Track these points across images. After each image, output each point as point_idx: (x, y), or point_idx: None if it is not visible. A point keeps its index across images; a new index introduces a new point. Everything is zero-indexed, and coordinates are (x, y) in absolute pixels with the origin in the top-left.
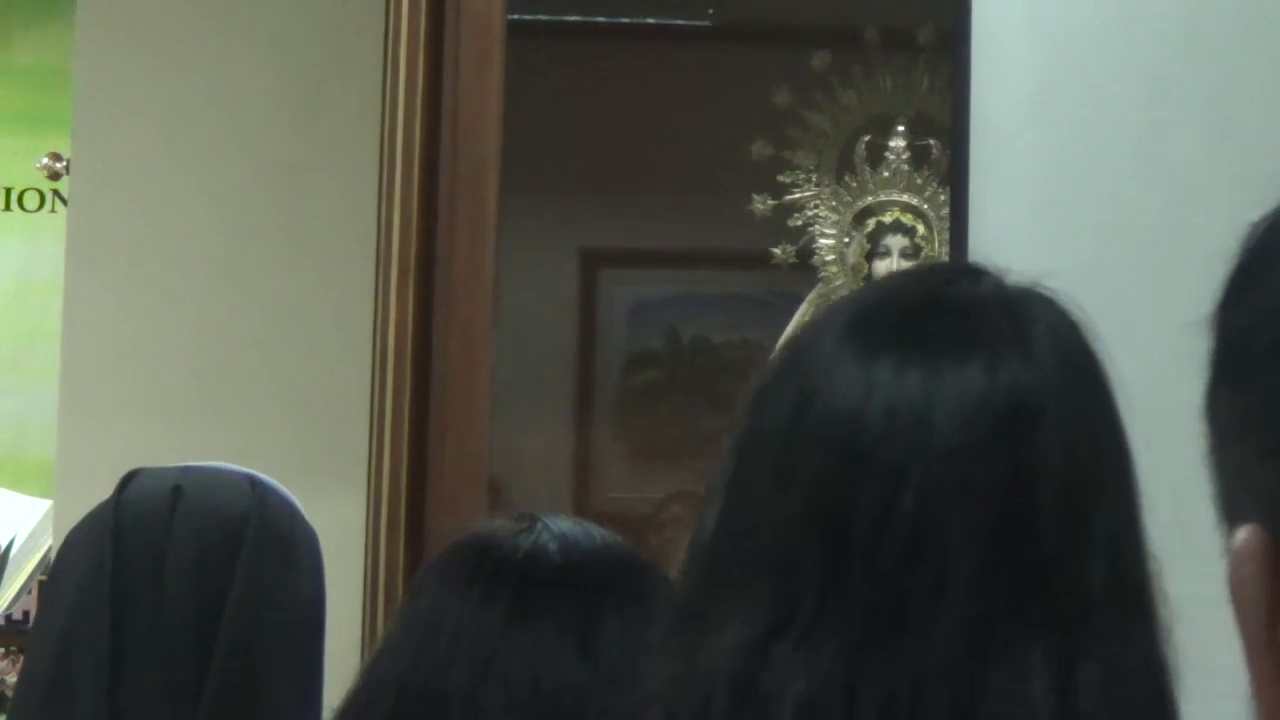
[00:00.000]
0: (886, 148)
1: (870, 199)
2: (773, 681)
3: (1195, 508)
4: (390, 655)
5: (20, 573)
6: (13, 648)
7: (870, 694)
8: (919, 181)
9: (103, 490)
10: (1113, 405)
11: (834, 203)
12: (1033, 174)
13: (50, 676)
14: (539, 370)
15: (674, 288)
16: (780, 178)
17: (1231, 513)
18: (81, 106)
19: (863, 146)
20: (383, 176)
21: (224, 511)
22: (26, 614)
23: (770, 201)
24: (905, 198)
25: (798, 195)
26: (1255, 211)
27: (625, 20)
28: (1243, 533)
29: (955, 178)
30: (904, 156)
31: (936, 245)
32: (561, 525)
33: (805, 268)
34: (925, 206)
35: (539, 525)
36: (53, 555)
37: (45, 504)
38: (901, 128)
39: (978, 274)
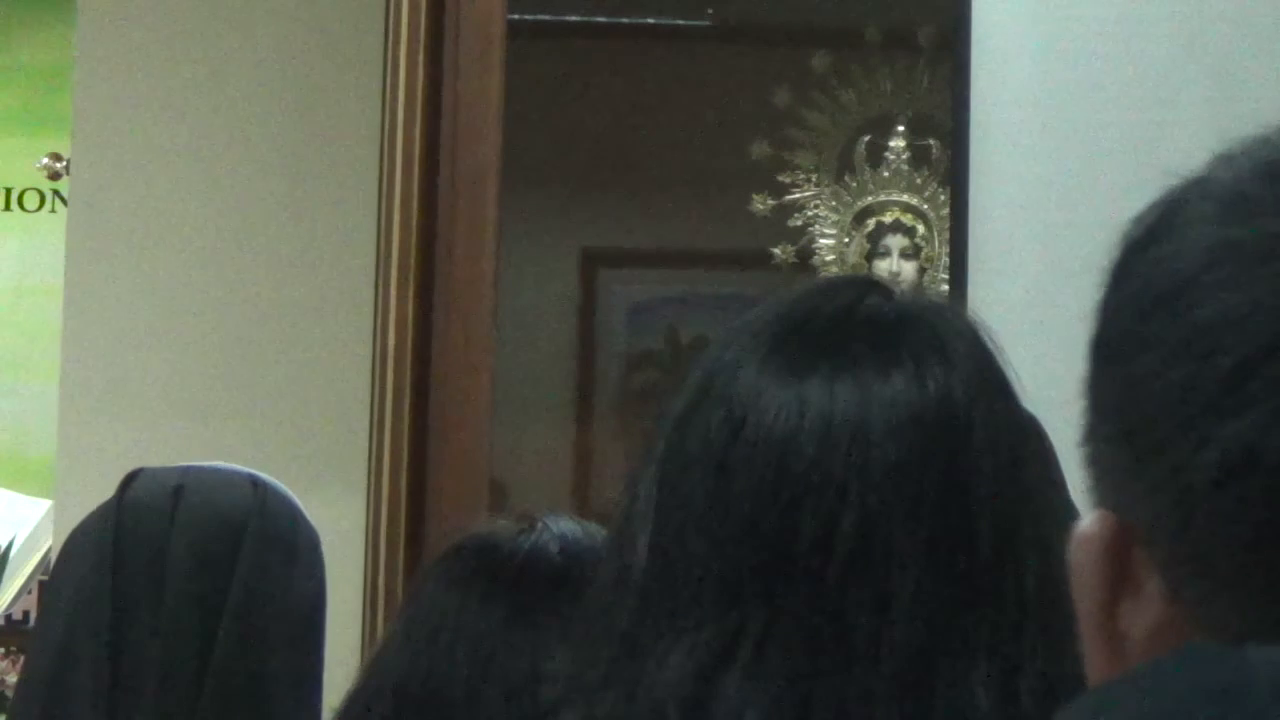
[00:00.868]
0: (886, 148)
1: (870, 199)
2: (724, 711)
3: None
4: (391, 655)
5: (20, 573)
6: (13, 648)
7: (821, 719)
8: (919, 181)
9: (103, 490)
10: (1023, 413)
11: (834, 203)
12: (1032, 174)
13: (51, 676)
14: (539, 370)
15: (674, 288)
16: (780, 178)
17: (1096, 491)
18: (81, 106)
19: (863, 146)
20: (383, 176)
21: (225, 512)
22: (26, 614)
23: (770, 201)
24: (905, 198)
25: (798, 195)
26: None
27: (625, 20)
28: (1089, 517)
29: (955, 178)
30: (904, 156)
31: (936, 245)
32: (562, 526)
33: (805, 268)
34: (925, 206)
35: (540, 526)
36: (53, 555)
37: (45, 504)
38: (901, 128)
39: (886, 289)
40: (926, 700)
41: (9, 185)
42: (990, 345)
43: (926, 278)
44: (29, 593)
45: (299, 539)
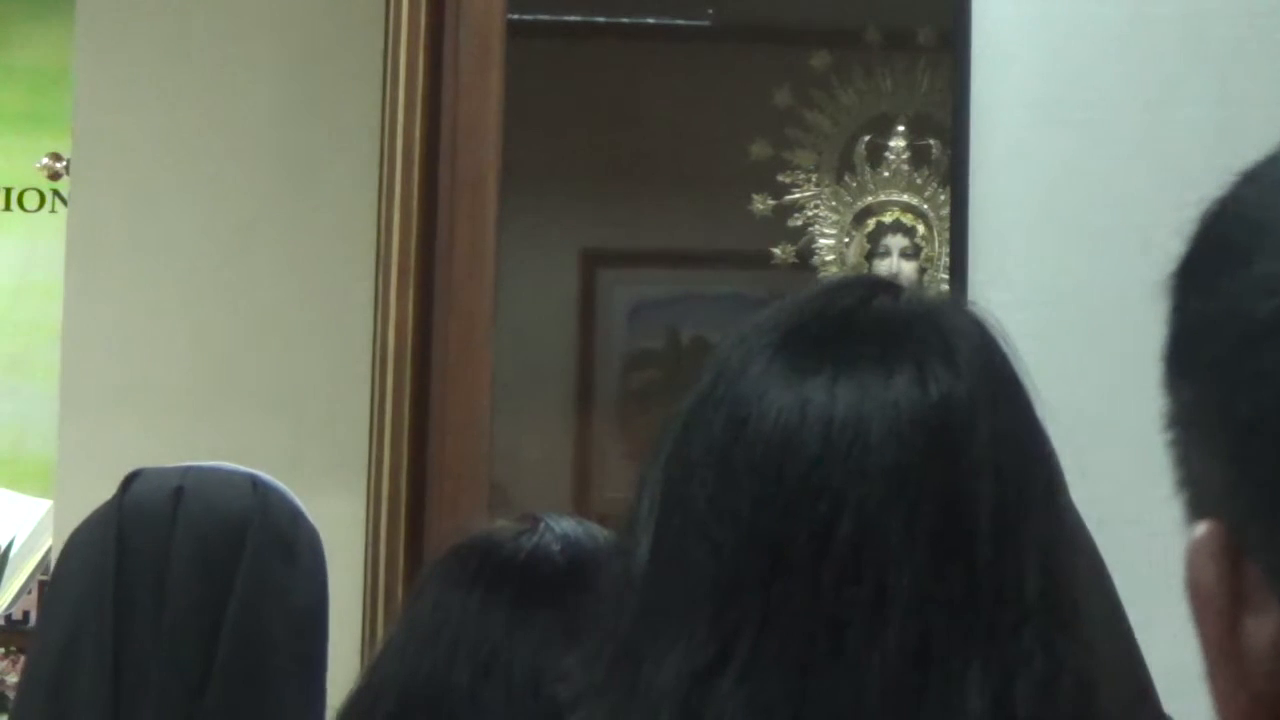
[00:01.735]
0: (886, 148)
1: (870, 199)
2: (718, 713)
3: None
4: (392, 656)
5: (20, 573)
6: (13, 648)
7: None
8: (919, 181)
9: (103, 490)
10: (1034, 416)
11: (834, 203)
12: (1033, 174)
13: (53, 678)
14: (539, 370)
15: (674, 288)
16: (780, 178)
17: (1190, 493)
18: (81, 106)
19: (863, 146)
20: (383, 176)
21: (226, 512)
22: (26, 614)
23: (770, 201)
24: (905, 198)
25: (798, 195)
26: None
27: (625, 20)
28: (1200, 529)
29: (955, 178)
30: (904, 156)
31: (936, 245)
32: (564, 526)
33: (805, 268)
34: (925, 206)
35: (542, 526)
36: (53, 555)
37: (45, 504)
38: (901, 128)
39: (895, 289)
40: (920, 703)
41: (9, 185)
42: (1001, 347)
43: (926, 278)
44: (29, 593)
45: (300, 539)
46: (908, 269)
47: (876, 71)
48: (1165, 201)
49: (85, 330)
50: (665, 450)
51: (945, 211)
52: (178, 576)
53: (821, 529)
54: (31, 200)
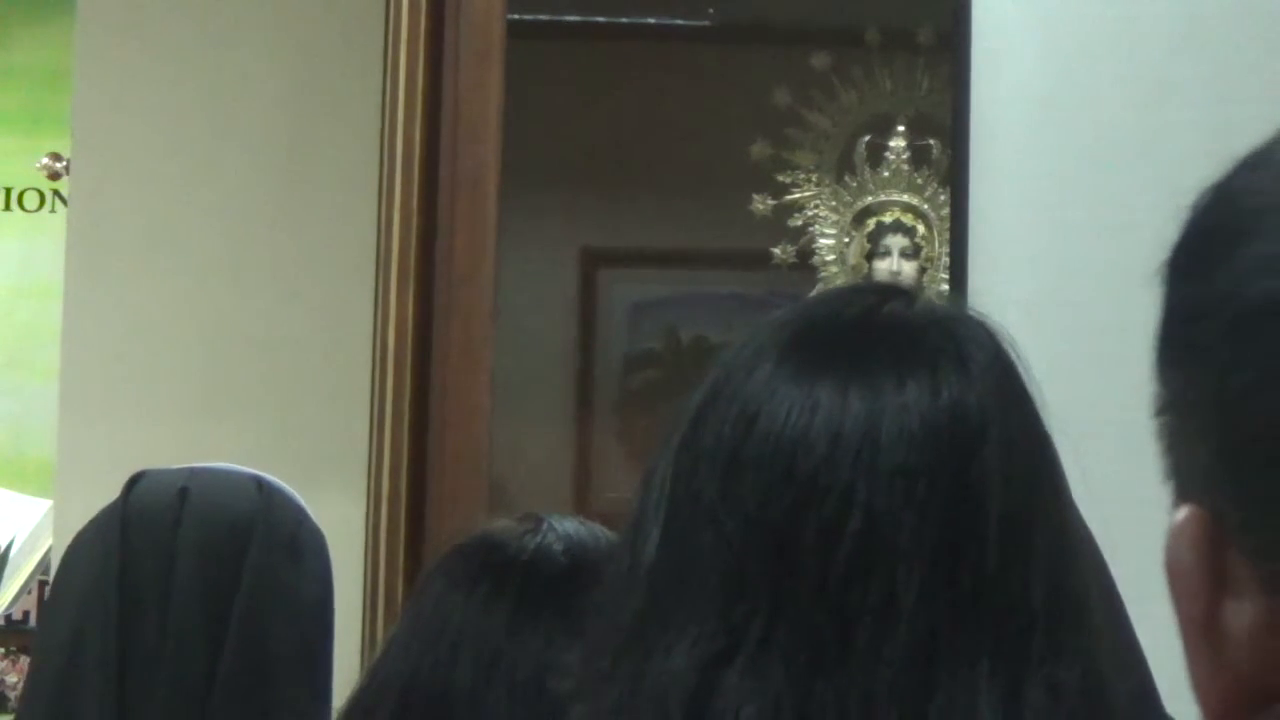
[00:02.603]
0: (886, 148)
1: (870, 199)
2: (723, 707)
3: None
4: (394, 656)
5: (20, 573)
6: (12, 648)
7: (820, 717)
8: (919, 181)
9: (102, 490)
10: (1042, 426)
11: (834, 203)
12: (1033, 174)
13: (58, 678)
14: (539, 370)
15: (674, 288)
16: (780, 178)
17: (1176, 479)
18: (81, 106)
19: (863, 146)
20: (383, 176)
21: (231, 513)
22: (26, 614)
23: (770, 201)
24: (905, 198)
25: (798, 195)
26: None
27: (625, 20)
28: (1182, 512)
29: (955, 178)
30: (904, 156)
31: (936, 245)
32: (567, 526)
33: (805, 268)
34: (925, 206)
35: (544, 526)
36: (53, 555)
37: (45, 504)
38: (901, 128)
39: (909, 295)
40: (927, 702)
41: (9, 185)
42: (1012, 356)
43: (926, 278)
44: (29, 593)
45: (304, 540)
46: (908, 269)
47: (876, 71)
48: (1165, 201)
49: (85, 330)
50: (674, 444)
51: (945, 211)
52: (183, 577)
53: (831, 525)
54: (31, 200)
